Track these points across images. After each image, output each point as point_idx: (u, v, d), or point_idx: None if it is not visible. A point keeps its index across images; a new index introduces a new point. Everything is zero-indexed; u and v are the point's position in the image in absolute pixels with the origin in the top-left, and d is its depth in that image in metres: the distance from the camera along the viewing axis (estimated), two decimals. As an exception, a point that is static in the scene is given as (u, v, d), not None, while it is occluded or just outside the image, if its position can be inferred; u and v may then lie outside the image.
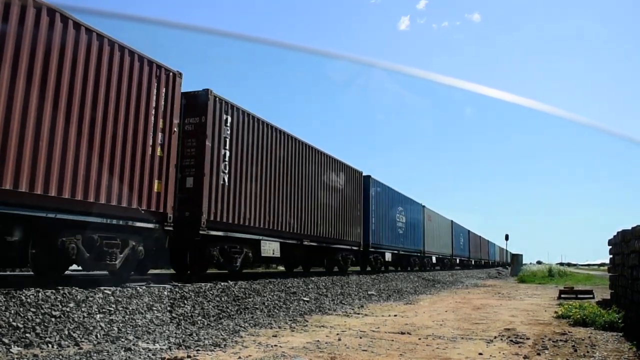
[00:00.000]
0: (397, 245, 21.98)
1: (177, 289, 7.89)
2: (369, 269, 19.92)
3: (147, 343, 5.36)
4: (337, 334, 6.52)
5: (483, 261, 52.12)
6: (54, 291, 6.08)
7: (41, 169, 6.29)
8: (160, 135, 8.41)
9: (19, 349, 4.70)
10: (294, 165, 13.02)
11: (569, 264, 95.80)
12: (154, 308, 6.81)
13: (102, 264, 7.51)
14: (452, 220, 35.52)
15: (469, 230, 43.08)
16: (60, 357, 4.52)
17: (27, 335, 4.98)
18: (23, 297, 5.62)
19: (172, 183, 8.72)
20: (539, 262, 61.06)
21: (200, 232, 9.22)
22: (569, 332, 7.30)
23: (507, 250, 67.66)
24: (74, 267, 8.31)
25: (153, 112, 8.26)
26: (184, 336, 5.87)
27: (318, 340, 5.97)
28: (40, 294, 5.84)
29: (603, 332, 7.31)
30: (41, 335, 5.07)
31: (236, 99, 10.77)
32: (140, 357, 4.69)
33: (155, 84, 8.35)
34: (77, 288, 6.42)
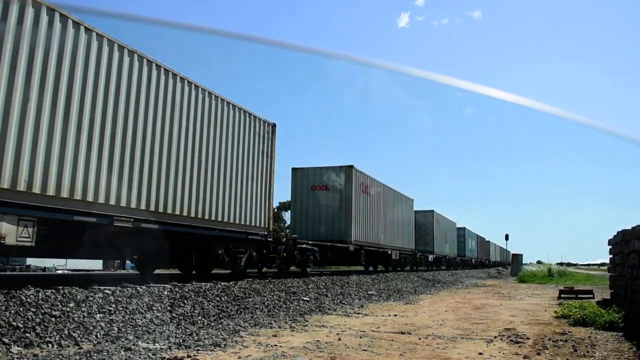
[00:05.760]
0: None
1: (177, 289, 7.89)
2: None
3: (147, 343, 5.36)
4: (337, 334, 6.52)
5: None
6: (54, 291, 6.08)
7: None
8: None
9: (19, 348, 4.70)
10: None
11: (568, 264, 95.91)
12: (154, 308, 6.82)
13: None
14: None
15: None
16: (60, 356, 4.52)
17: (27, 335, 4.98)
18: (23, 297, 5.62)
19: None
20: (539, 262, 61.03)
21: None
22: (569, 331, 7.30)
23: (507, 250, 67.73)
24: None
25: None
26: (184, 336, 5.87)
27: (318, 340, 5.96)
28: (40, 294, 5.84)
29: (603, 332, 7.31)
30: (41, 335, 5.08)
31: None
32: (140, 357, 4.69)
33: None
34: (77, 288, 6.42)
